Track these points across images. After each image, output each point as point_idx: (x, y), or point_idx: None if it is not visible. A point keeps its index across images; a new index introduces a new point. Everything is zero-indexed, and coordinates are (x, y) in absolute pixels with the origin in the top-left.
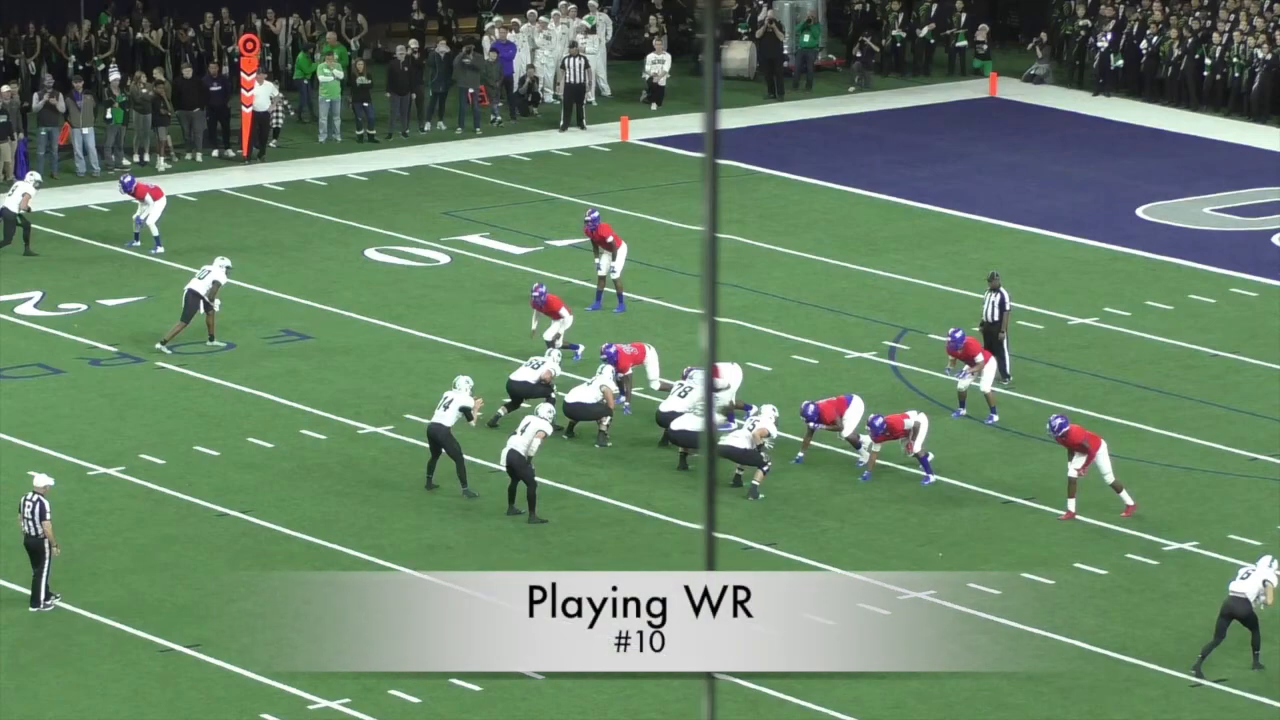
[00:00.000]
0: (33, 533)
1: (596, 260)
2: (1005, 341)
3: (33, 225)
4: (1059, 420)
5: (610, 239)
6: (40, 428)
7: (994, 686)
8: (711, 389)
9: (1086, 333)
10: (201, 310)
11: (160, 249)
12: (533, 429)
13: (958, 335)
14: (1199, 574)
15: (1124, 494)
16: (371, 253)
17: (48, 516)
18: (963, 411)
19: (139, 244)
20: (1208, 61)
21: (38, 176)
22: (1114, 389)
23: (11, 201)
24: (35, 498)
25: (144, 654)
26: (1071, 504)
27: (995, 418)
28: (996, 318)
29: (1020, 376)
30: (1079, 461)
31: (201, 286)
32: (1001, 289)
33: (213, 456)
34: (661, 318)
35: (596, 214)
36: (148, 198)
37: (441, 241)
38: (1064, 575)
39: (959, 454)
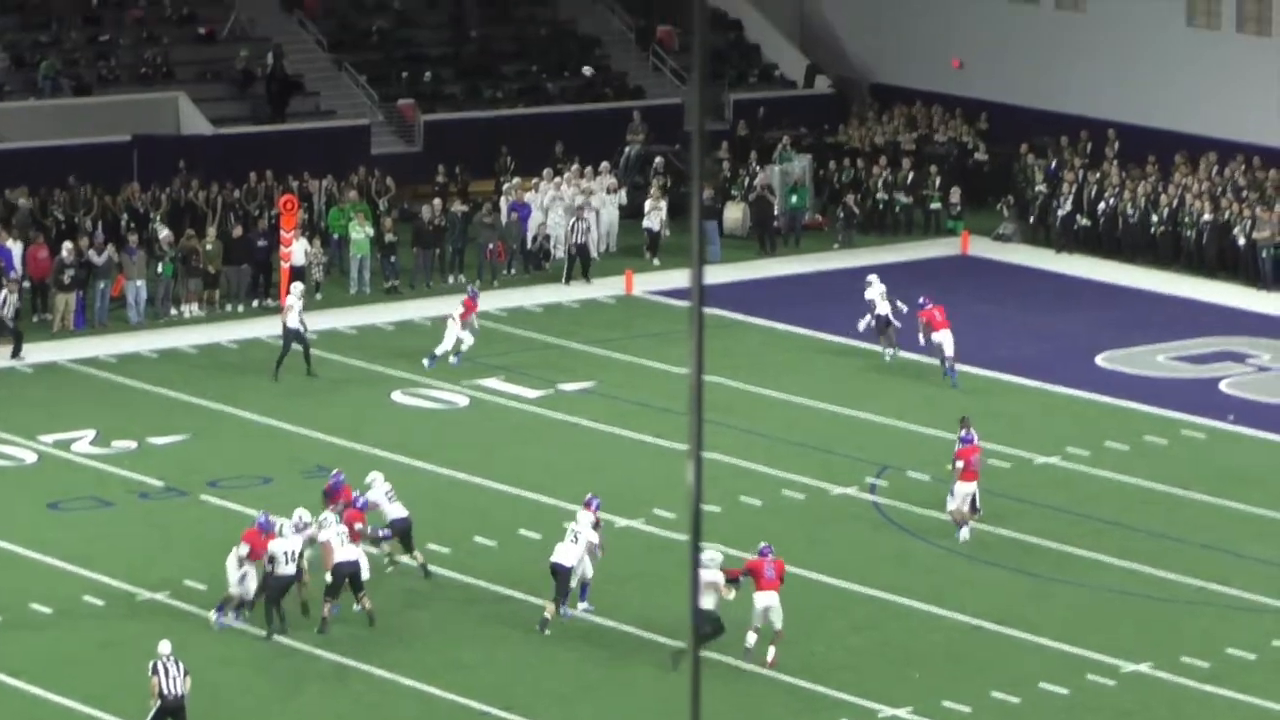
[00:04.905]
0: (178, 692)
1: None
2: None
3: (295, 346)
4: (764, 546)
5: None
6: (94, 556)
7: None
8: (699, 512)
9: (1050, 471)
10: None
11: (455, 361)
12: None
13: (965, 436)
14: (1153, 693)
15: (771, 648)
16: (397, 395)
17: (187, 673)
18: (964, 533)
19: (455, 361)
20: (1154, 219)
21: (302, 287)
22: (1076, 522)
23: (291, 317)
24: (172, 658)
25: None
26: (771, 650)
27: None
28: None
29: (989, 511)
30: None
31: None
32: (972, 430)
33: None
34: (665, 457)
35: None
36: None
37: (461, 385)
38: (1030, 695)
39: (933, 583)
